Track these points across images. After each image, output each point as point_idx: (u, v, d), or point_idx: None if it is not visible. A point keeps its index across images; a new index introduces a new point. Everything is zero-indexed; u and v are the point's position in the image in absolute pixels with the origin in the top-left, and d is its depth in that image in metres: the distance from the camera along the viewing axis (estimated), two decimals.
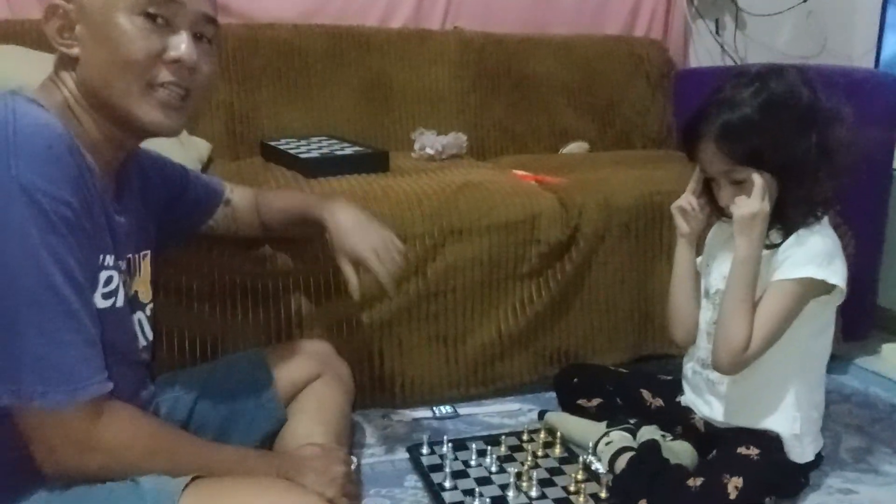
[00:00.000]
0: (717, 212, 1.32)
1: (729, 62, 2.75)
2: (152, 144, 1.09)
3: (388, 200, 1.58)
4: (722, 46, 2.75)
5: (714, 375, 1.29)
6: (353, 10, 2.34)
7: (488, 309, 1.63)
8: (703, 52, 2.75)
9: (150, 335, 1.07)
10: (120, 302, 0.94)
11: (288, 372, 1.26)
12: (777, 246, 1.21)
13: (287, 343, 1.40)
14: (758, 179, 1.17)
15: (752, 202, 1.17)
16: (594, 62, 2.51)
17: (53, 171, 0.80)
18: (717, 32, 2.75)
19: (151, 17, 0.88)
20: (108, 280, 0.91)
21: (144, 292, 1.08)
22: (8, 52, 1.74)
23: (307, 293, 1.48)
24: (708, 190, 1.31)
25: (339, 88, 2.21)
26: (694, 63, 2.75)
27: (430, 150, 1.93)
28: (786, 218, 1.21)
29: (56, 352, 0.80)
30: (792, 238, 1.20)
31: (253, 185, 1.66)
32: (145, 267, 1.09)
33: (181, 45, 0.90)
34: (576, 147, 2.39)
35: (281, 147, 1.87)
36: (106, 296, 0.91)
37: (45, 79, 0.93)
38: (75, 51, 0.89)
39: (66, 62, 0.91)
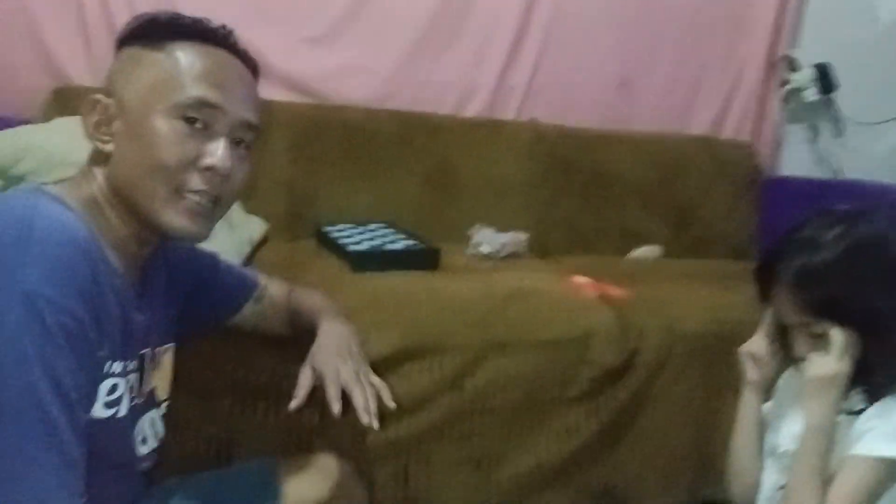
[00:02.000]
0: (792, 358, 1.16)
1: (824, 173, 2.56)
2: None
3: (430, 304, 1.48)
4: (817, 155, 2.58)
5: None
6: (428, 97, 2.32)
7: (529, 433, 1.49)
8: (796, 160, 2.59)
9: (161, 433, 1.02)
10: (123, 411, 0.88)
11: (298, 491, 1.15)
12: (858, 413, 1.04)
13: (302, 457, 1.29)
14: (837, 336, 1.01)
15: (828, 362, 1.01)
16: (675, 162, 2.40)
17: (63, 278, 0.75)
18: (812, 140, 2.58)
19: (190, 121, 0.84)
20: (112, 389, 0.86)
21: (163, 388, 1.03)
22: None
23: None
24: (783, 333, 1.15)
25: (404, 175, 2.16)
26: (785, 171, 2.58)
27: (486, 249, 1.84)
28: (870, 381, 1.04)
29: (32, 475, 0.74)
30: (876, 406, 1.03)
31: (302, 272, 1.63)
32: (167, 361, 1.04)
33: (217, 152, 0.86)
34: (647, 251, 2.25)
35: (333, 235, 1.82)
36: (108, 405, 0.85)
37: (78, 171, 0.91)
38: (109, 147, 0.86)
39: (100, 157, 0.88)
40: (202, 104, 0.85)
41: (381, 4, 2.26)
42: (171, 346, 1.06)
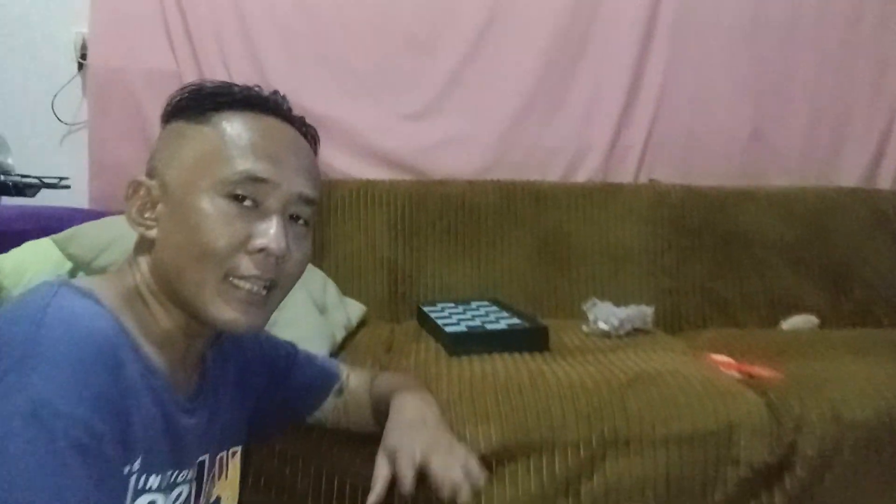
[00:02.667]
0: None
1: None
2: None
3: (536, 392, 1.27)
4: None
5: None
6: (534, 164, 2.18)
7: None
8: None
9: None
10: None
11: None
12: None
13: None
14: None
15: None
16: (824, 217, 2.10)
17: (74, 385, 0.63)
18: None
19: (238, 199, 0.75)
20: None
21: (230, 497, 0.92)
22: None
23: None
24: None
25: (511, 247, 2.00)
26: None
27: (604, 326, 1.61)
28: None
29: None
30: None
31: (398, 357, 1.48)
32: (233, 467, 0.93)
33: (269, 232, 0.76)
34: (800, 321, 1.93)
35: (433, 315, 1.66)
36: None
37: (124, 261, 0.82)
38: (153, 233, 0.78)
39: (144, 244, 0.79)
40: (250, 179, 0.75)
41: (481, 73, 2.17)
42: (238, 449, 0.94)
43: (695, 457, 1.22)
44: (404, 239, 1.99)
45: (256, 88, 0.82)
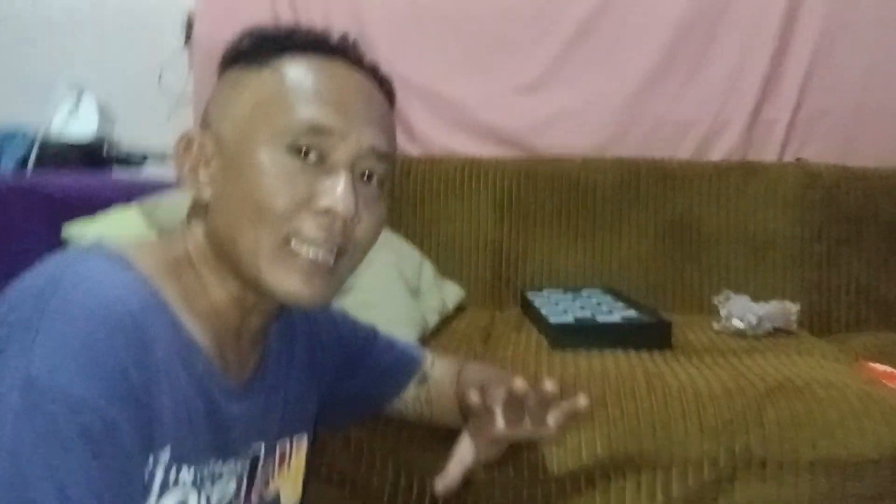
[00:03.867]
0: None
1: None
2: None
3: (652, 396, 1.07)
4: None
5: None
6: (661, 140, 1.94)
7: None
8: None
9: None
10: None
11: None
12: None
13: None
14: None
15: None
16: None
17: (86, 362, 0.53)
18: None
19: (300, 152, 0.64)
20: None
21: (291, 492, 0.81)
22: None
23: None
24: None
25: (631, 232, 1.78)
26: None
27: (738, 323, 1.38)
28: None
29: None
30: None
31: (495, 348, 1.33)
32: (297, 458, 0.82)
33: (336, 189, 0.64)
34: None
35: (537, 303, 1.49)
36: None
37: (176, 226, 0.72)
38: (207, 193, 0.67)
39: (198, 207, 0.69)
40: (315, 128, 0.64)
41: (602, 41, 1.95)
42: (304, 439, 0.83)
43: (852, 486, 0.99)
44: (511, 220, 1.82)
45: (325, 31, 0.70)
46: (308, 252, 0.65)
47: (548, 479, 1.00)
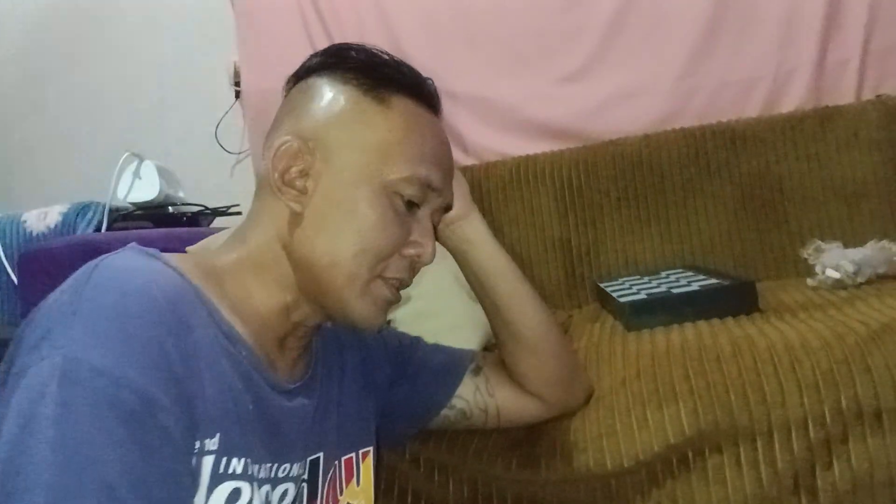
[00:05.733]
0: None
1: None
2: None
3: (740, 360, 0.97)
4: None
5: None
6: (724, 102, 1.82)
7: None
8: None
9: None
10: None
11: None
12: None
13: None
14: None
15: None
16: None
17: (124, 342, 0.53)
18: None
19: (404, 199, 0.70)
20: (234, 496, 0.60)
21: None
22: None
23: None
24: None
25: (706, 203, 1.67)
26: None
27: (834, 273, 1.25)
28: None
29: None
30: None
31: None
32: (365, 472, 0.81)
33: (426, 242, 0.72)
34: None
35: (611, 290, 1.41)
36: None
37: (240, 225, 0.74)
38: (300, 205, 0.69)
39: (278, 213, 0.70)
40: (426, 187, 0.71)
41: (643, 14, 1.87)
42: (369, 450, 0.82)
43: None
44: (576, 213, 1.74)
45: (421, 77, 0.76)
46: (388, 288, 0.71)
47: (635, 467, 0.92)
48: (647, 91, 1.87)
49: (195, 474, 0.57)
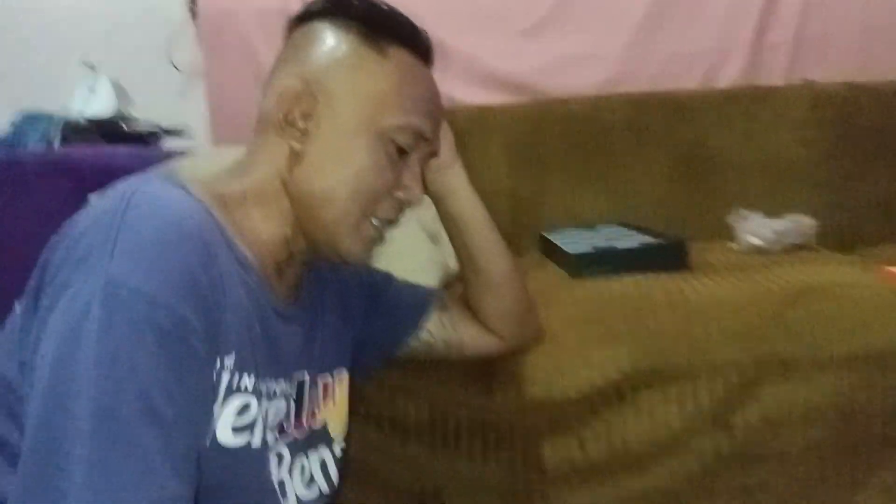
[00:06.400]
0: None
1: None
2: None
3: (673, 311, 1.10)
4: None
5: None
6: (668, 73, 1.95)
7: (845, 489, 1.03)
8: None
9: (335, 479, 0.84)
10: (257, 441, 0.69)
11: None
12: None
13: None
14: None
15: None
16: None
17: (157, 266, 0.58)
18: None
19: (396, 145, 0.75)
20: (244, 409, 0.67)
21: (336, 424, 0.86)
22: None
23: (550, 440, 1.06)
24: None
25: (644, 167, 1.79)
26: None
27: (755, 240, 1.39)
28: None
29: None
30: None
31: None
32: (340, 392, 0.88)
33: (415, 186, 0.78)
34: None
35: (556, 240, 1.51)
36: (239, 430, 0.66)
37: (240, 159, 0.78)
38: (301, 145, 0.74)
39: (279, 150, 0.74)
40: (418, 136, 0.77)
41: None
42: (343, 374, 0.89)
43: (877, 380, 1.01)
44: (524, 166, 1.83)
45: (420, 29, 0.79)
46: (378, 227, 0.77)
47: (579, 399, 1.03)
48: (597, 54, 1.97)
49: (215, 387, 0.63)
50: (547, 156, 1.83)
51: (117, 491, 0.52)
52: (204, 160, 1.38)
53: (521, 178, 1.83)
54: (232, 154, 0.79)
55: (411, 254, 1.35)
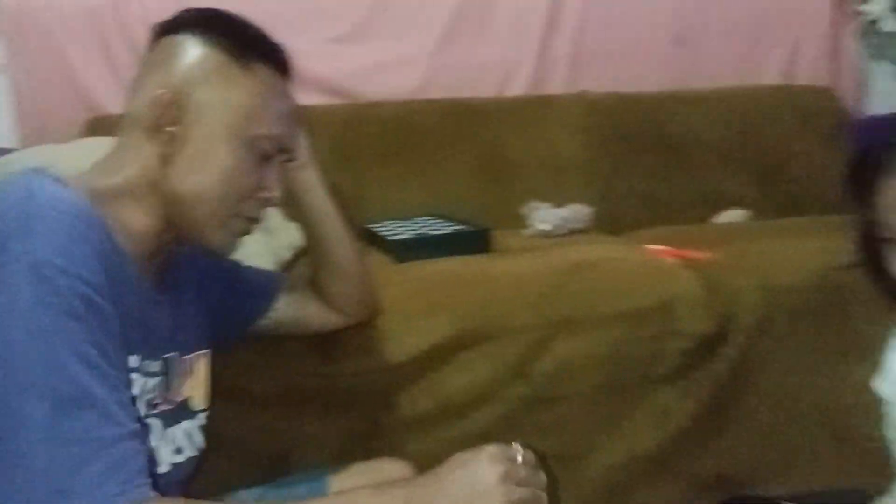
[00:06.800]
0: (885, 291, 0.92)
1: None
2: None
3: (482, 285, 1.31)
4: None
5: None
6: (467, 81, 2.17)
7: (615, 421, 1.29)
8: (884, 98, 2.29)
9: (200, 445, 0.92)
10: (139, 414, 0.77)
11: None
12: None
13: (358, 466, 1.14)
14: None
15: None
16: (750, 116, 2.16)
17: (72, 246, 0.67)
18: None
19: (262, 156, 0.84)
20: (128, 385, 0.75)
21: (200, 397, 0.94)
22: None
23: (384, 400, 1.22)
24: (874, 258, 0.91)
25: (452, 165, 2.01)
26: (873, 110, 2.29)
27: (544, 226, 1.65)
28: None
29: (73, 457, 0.63)
30: None
31: None
32: (201, 369, 0.95)
33: (276, 186, 0.86)
34: (732, 216, 2.00)
35: (378, 230, 1.67)
36: None
37: (108, 156, 0.84)
38: (169, 150, 0.81)
39: (149, 152, 0.81)
40: (280, 147, 0.85)
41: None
42: (205, 352, 0.97)
43: (638, 332, 1.28)
44: (345, 164, 1.97)
45: (280, 45, 0.87)
46: (244, 225, 0.86)
47: (409, 362, 1.21)
48: (407, 61, 2.15)
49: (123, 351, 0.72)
50: (365, 155, 1.98)
51: (81, 434, 0.62)
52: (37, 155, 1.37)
53: (342, 176, 1.96)
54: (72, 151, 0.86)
55: (249, 243, 1.45)
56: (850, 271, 1.00)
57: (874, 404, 0.98)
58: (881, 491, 1.02)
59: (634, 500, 1.29)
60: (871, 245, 0.91)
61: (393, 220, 1.84)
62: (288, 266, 1.58)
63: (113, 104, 1.99)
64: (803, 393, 1.32)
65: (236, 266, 1.09)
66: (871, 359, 1.01)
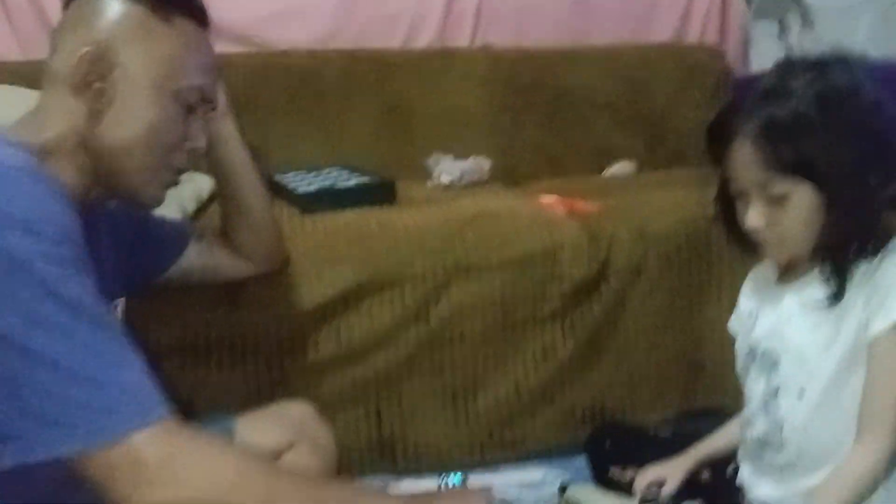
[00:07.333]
0: (737, 241, 1.06)
1: None
2: None
3: (385, 236, 1.40)
4: (788, 49, 2.47)
5: (780, 459, 1.02)
6: (374, 32, 2.20)
7: (504, 358, 1.42)
8: (766, 57, 2.47)
9: None
10: None
11: (255, 443, 1.08)
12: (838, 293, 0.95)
13: (263, 409, 1.22)
14: (804, 194, 0.92)
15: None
16: (641, 73, 2.29)
17: (47, 202, 0.73)
18: (780, 34, 2.47)
19: (184, 103, 0.86)
20: None
21: None
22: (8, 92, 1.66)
23: (290, 346, 1.31)
24: (728, 211, 1.04)
25: (357, 116, 2.06)
26: (756, 70, 2.47)
27: (446, 178, 1.75)
28: (834, 252, 0.96)
29: (113, 354, 0.73)
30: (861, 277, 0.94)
31: None
32: (118, 316, 1.01)
33: (201, 137, 0.90)
34: (621, 168, 2.15)
35: (285, 182, 1.72)
36: None
37: (32, 112, 0.85)
38: (97, 104, 0.83)
39: (74, 109, 0.83)
40: (203, 96, 0.87)
41: None
42: (121, 301, 1.03)
43: (525, 277, 1.41)
44: (249, 114, 1.97)
45: None
46: (173, 175, 0.90)
47: (316, 309, 1.30)
48: (314, 8, 2.16)
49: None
50: (271, 105, 1.99)
51: (116, 353, 0.71)
52: None
53: (247, 126, 1.97)
54: None
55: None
56: (713, 222, 1.14)
57: (728, 339, 1.13)
58: (732, 412, 1.18)
59: (517, 432, 1.44)
60: (725, 199, 1.04)
61: (298, 170, 1.88)
62: (194, 216, 1.61)
63: (9, 51, 1.94)
64: (670, 329, 1.49)
65: (146, 216, 1.12)
66: (727, 300, 1.16)
